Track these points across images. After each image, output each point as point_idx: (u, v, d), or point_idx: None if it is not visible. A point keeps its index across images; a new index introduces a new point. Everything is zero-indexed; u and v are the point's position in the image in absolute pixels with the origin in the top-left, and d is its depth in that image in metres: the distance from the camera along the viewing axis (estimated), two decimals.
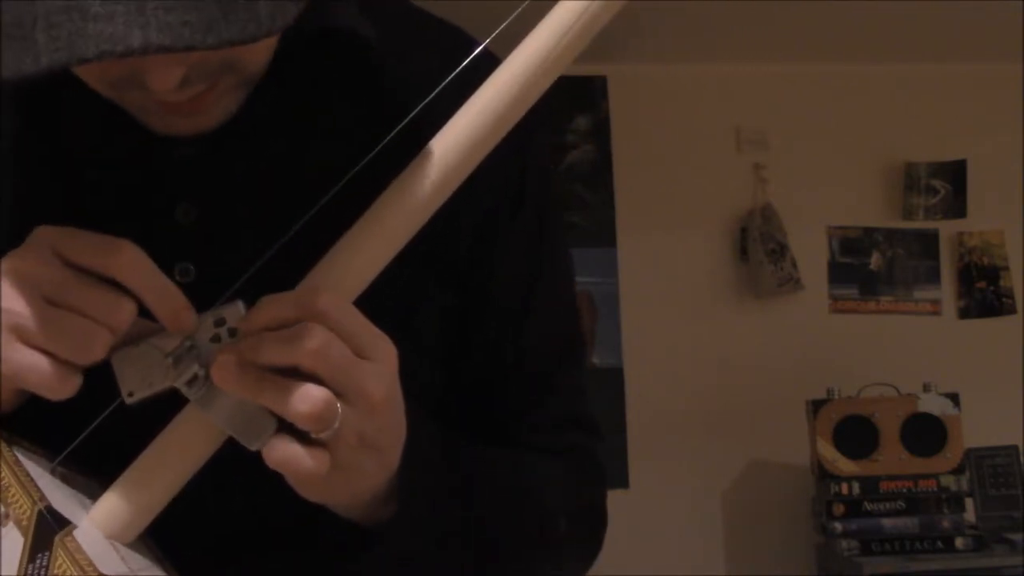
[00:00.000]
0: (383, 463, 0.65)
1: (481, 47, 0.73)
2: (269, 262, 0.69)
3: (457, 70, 0.69)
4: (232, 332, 0.62)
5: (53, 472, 0.64)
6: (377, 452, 0.64)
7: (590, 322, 3.51)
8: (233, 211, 0.73)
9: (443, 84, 0.69)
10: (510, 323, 0.81)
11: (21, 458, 0.62)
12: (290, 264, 0.66)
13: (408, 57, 0.78)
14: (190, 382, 0.61)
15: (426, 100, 0.69)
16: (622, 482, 3.46)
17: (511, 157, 0.78)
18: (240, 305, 0.63)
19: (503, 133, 0.68)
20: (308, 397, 0.59)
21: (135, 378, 0.62)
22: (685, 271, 3.61)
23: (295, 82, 0.74)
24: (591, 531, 0.87)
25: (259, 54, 0.68)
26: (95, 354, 0.61)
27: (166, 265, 0.67)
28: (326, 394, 0.60)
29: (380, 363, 0.62)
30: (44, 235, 0.63)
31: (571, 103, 3.57)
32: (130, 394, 0.62)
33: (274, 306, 0.62)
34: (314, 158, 0.74)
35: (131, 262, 0.62)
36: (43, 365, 0.60)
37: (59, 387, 0.60)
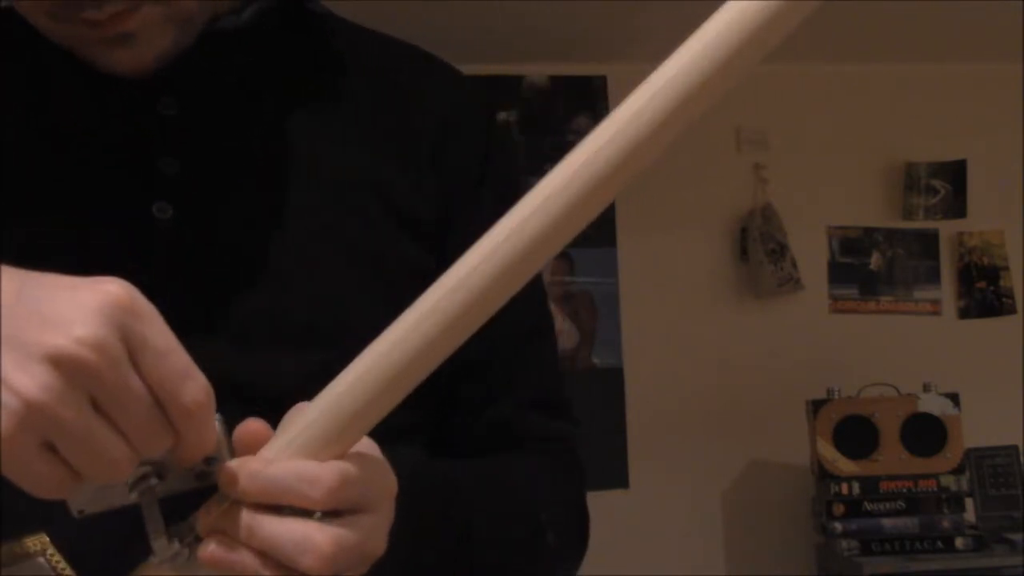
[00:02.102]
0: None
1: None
2: (239, 224, 0.75)
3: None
4: (208, 461, 0.55)
5: None
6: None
7: (590, 322, 3.51)
8: (213, 164, 0.77)
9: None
10: None
11: None
12: (260, 226, 0.71)
13: (383, 37, 0.84)
14: (173, 557, 0.55)
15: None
16: (622, 482, 3.45)
17: (476, 131, 0.85)
18: (217, 427, 0.55)
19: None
20: None
21: (87, 495, 0.54)
22: (685, 271, 3.61)
23: (273, 46, 0.79)
24: (579, 532, 0.86)
25: None
26: (118, 479, 0.53)
27: (144, 203, 0.72)
28: None
29: (380, 506, 0.59)
30: (118, 316, 0.51)
31: (571, 103, 3.57)
32: (80, 511, 0.55)
33: (265, 480, 0.56)
34: (291, 120, 0.79)
35: (201, 408, 0.53)
36: (57, 477, 0.52)
37: (61, 495, 0.53)
